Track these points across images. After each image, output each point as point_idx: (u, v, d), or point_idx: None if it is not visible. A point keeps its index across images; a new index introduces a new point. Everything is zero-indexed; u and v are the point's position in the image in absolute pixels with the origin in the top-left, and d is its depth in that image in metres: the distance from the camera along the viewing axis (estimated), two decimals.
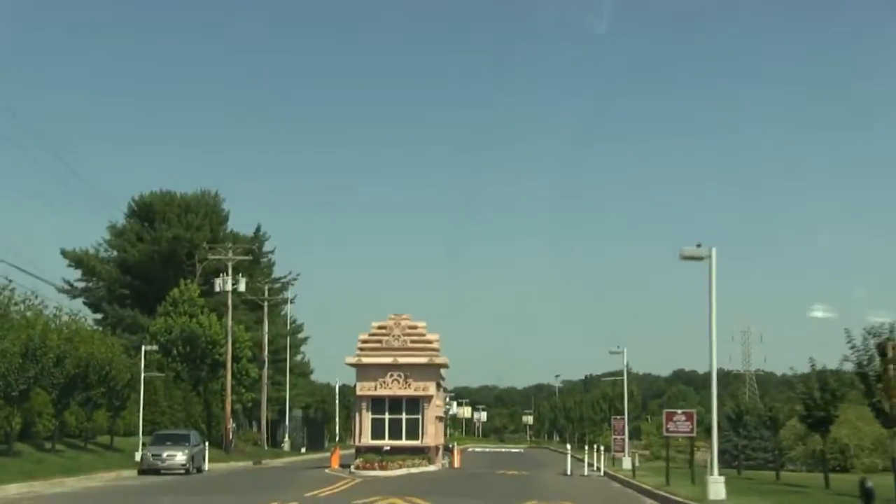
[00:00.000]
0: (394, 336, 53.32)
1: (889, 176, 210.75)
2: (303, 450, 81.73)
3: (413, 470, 46.63)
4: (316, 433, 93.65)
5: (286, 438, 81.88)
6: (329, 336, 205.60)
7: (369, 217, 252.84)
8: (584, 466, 50.65)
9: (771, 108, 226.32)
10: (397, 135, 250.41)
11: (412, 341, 53.40)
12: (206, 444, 50.97)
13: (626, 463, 49.22)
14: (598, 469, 48.67)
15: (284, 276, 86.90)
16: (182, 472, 43.28)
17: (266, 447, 76.23)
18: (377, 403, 52.72)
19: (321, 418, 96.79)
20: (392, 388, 52.40)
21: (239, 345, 68.78)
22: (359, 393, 52.98)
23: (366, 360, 52.86)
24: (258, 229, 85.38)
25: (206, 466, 48.75)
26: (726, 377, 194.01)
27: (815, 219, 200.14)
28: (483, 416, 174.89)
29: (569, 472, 47.98)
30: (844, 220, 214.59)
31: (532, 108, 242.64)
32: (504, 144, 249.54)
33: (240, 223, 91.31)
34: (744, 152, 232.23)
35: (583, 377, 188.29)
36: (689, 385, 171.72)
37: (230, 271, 64.76)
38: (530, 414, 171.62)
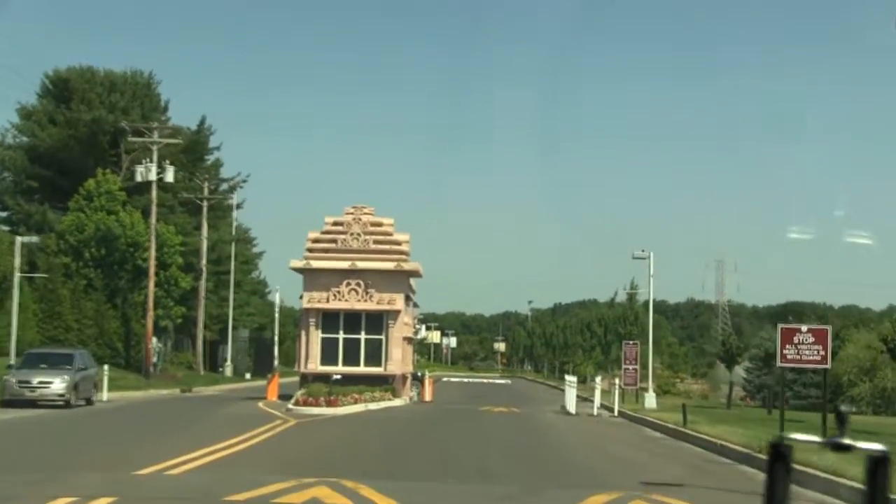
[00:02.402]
0: (352, 235, 41.70)
1: (868, 91, 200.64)
2: (248, 376, 70.20)
3: (372, 406, 35.41)
4: (267, 357, 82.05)
5: (228, 362, 70.44)
6: (291, 252, 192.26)
7: (338, 125, 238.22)
8: (588, 403, 39.58)
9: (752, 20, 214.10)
10: (371, 30, 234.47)
11: (375, 241, 41.81)
12: (106, 367, 39.68)
13: (651, 400, 38.11)
14: (611, 408, 37.70)
15: (232, 177, 75.11)
16: (61, 403, 32.23)
17: (202, 372, 64.86)
18: (329, 319, 41.22)
19: (273, 341, 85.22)
20: (349, 299, 40.92)
21: (167, 249, 57.02)
22: (306, 305, 41.45)
23: (316, 264, 41.22)
24: (202, 122, 72.90)
25: (105, 396, 37.82)
26: (698, 307, 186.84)
27: (791, 136, 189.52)
28: (453, 342, 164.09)
29: (572, 411, 37.05)
30: (823, 138, 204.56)
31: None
32: (490, 49, 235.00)
33: (182, 117, 78.95)
34: (726, 62, 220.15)
35: (552, 305, 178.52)
36: (659, 314, 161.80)
37: (155, 157, 52.71)
38: (502, 341, 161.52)
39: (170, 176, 52.79)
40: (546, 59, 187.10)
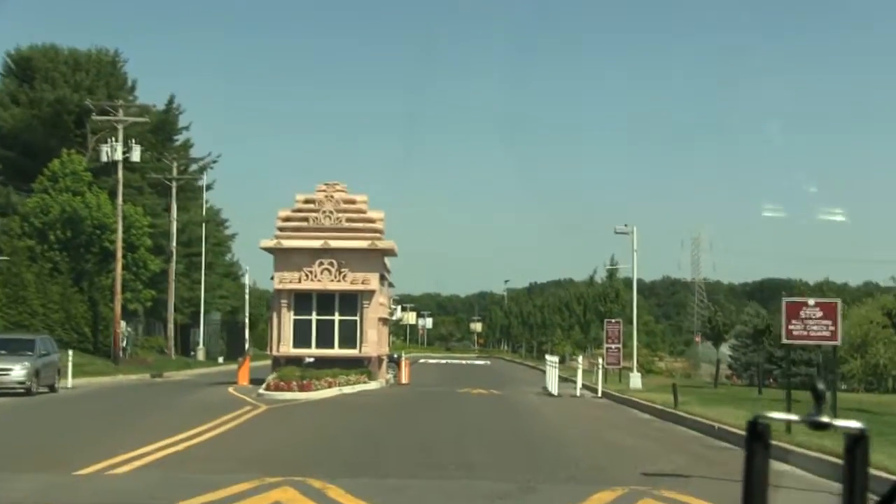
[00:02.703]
0: (325, 213, 40.18)
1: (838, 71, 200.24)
2: (220, 360, 68.60)
3: (347, 389, 34.01)
4: (241, 341, 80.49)
5: (200, 346, 68.80)
6: (264, 234, 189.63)
7: (312, 104, 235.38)
8: (569, 384, 38.33)
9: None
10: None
11: (349, 220, 40.30)
12: (71, 352, 38.20)
13: (636, 380, 36.85)
14: (594, 389, 36.46)
15: (202, 158, 73.32)
16: (21, 391, 30.81)
17: (174, 356, 63.25)
18: (302, 300, 39.75)
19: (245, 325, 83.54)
20: (321, 279, 39.46)
21: (136, 231, 55.34)
22: (277, 286, 39.94)
23: (287, 243, 39.70)
24: (171, 101, 71.09)
25: (70, 382, 36.44)
26: (674, 285, 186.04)
27: (766, 112, 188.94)
28: (429, 322, 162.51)
29: (554, 392, 35.81)
30: (796, 117, 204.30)
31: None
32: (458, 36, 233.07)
33: (150, 97, 76.81)
34: (703, 47, 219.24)
35: (528, 284, 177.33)
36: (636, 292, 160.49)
37: (121, 136, 50.92)
38: (478, 321, 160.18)
39: (136, 155, 51.10)
40: (518, 40, 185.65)
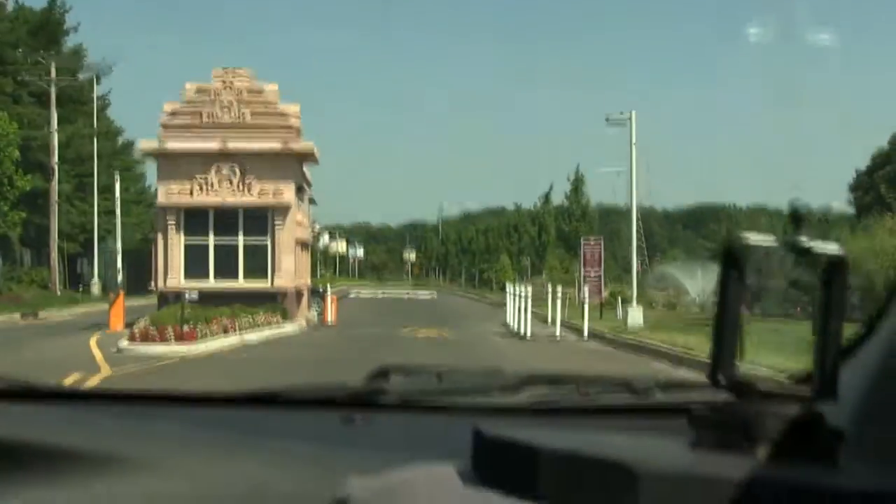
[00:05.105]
0: (223, 105, 30.80)
1: None
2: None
3: (252, 336, 25.13)
4: (145, 274, 70.69)
5: (95, 280, 59.11)
6: None
7: None
8: (538, 322, 29.88)
9: None
10: None
11: (254, 114, 30.96)
12: None
13: (636, 316, 28.01)
14: (574, 327, 28.02)
15: (96, 63, 62.86)
16: None
17: (59, 291, 53.67)
18: (195, 219, 30.52)
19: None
20: (220, 191, 30.27)
21: None
22: (161, 201, 30.70)
23: (173, 145, 30.31)
24: None
25: None
26: (608, 214, 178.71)
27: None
28: (360, 252, 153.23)
29: (523, 332, 27.37)
30: None
31: None
32: None
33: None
34: None
35: (460, 214, 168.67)
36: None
37: None
38: (412, 251, 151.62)
39: None
40: None
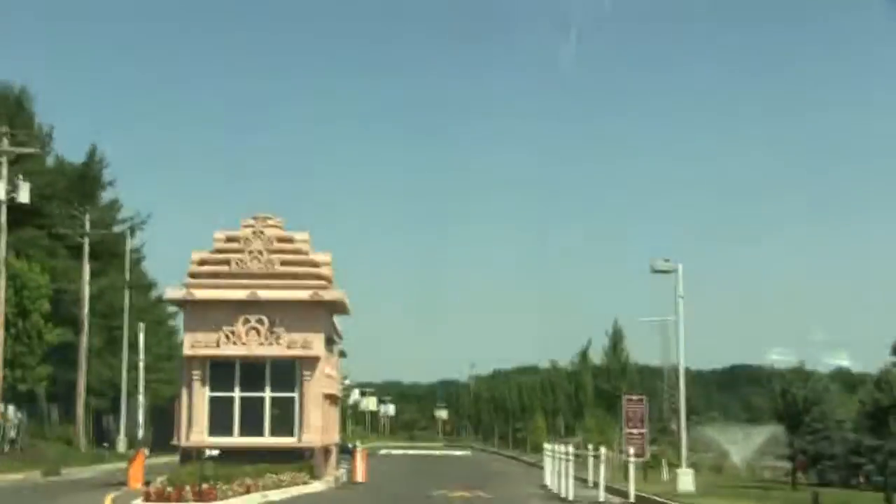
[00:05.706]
0: (252, 253, 30.07)
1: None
2: (146, 451, 57.45)
3: (275, 496, 23.69)
4: (170, 429, 69.11)
5: (121, 436, 57.73)
6: None
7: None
8: (579, 482, 28.19)
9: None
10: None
11: (284, 263, 30.20)
12: None
13: (686, 480, 26.35)
14: (620, 492, 26.33)
15: (130, 218, 62.85)
16: None
17: (85, 447, 52.34)
18: (220, 371, 29.45)
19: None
20: (247, 342, 29.25)
21: (29, 292, 44.83)
22: (187, 352, 29.64)
23: (201, 293, 29.51)
24: (92, 152, 61.27)
25: None
26: (641, 371, 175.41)
27: None
28: (391, 409, 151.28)
29: (567, 495, 25.74)
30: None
31: None
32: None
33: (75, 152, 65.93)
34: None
35: (492, 371, 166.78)
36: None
37: (4, 171, 40.71)
38: (444, 408, 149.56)
39: (24, 195, 40.79)
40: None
